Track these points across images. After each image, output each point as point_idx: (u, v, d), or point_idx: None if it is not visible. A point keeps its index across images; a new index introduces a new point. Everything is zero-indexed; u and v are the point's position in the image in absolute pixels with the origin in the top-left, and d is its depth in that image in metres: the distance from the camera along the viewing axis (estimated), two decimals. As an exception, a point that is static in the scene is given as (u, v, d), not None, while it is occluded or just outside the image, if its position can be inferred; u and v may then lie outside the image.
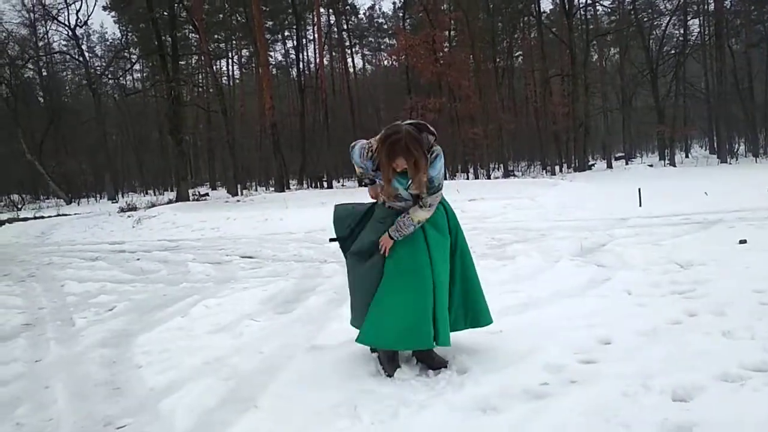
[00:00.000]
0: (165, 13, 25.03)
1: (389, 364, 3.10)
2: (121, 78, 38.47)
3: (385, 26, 43.15)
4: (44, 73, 38.09)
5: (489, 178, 26.71)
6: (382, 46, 43.98)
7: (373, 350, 3.16)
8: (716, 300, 3.84)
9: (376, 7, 65.30)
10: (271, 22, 37.89)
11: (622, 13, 33.05)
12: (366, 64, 47.54)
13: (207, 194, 29.09)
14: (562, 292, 4.57)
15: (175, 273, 7.30)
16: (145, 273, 7.48)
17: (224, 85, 39.04)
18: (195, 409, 2.89)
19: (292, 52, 39.49)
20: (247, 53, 42.62)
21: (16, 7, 38.12)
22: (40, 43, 36.12)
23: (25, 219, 19.67)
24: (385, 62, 42.58)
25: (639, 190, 11.04)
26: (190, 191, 25.69)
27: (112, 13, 37.72)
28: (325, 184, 29.77)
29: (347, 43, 39.97)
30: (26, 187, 34.62)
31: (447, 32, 30.64)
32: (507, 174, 27.90)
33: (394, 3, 51.61)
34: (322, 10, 32.90)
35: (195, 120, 37.48)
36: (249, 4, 27.52)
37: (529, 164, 35.64)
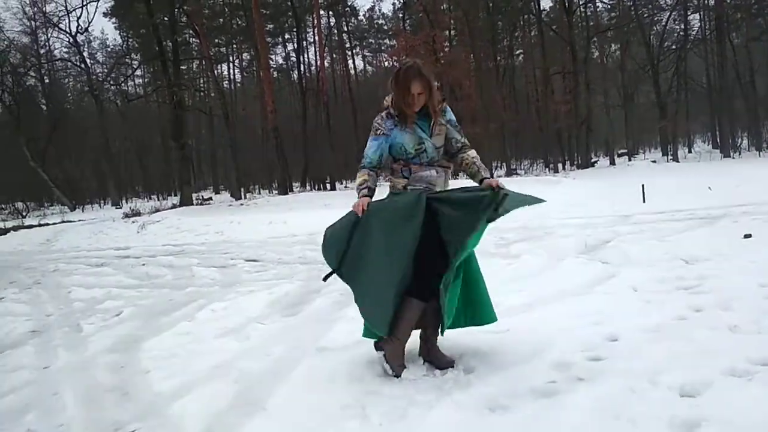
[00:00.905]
0: (165, 19, 25.05)
1: (395, 362, 3.06)
2: (122, 84, 38.49)
3: (385, 27, 43.12)
4: (46, 81, 38.17)
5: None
6: (383, 47, 43.97)
7: (377, 348, 3.13)
8: (722, 295, 3.83)
9: (376, 8, 65.04)
10: (271, 25, 37.93)
11: (622, 9, 33.05)
12: (367, 65, 47.60)
13: (210, 198, 29.13)
14: (567, 290, 4.57)
15: (181, 277, 7.32)
16: (151, 278, 7.50)
17: (226, 88, 39.10)
18: (204, 413, 2.90)
19: (293, 54, 39.53)
20: (248, 57, 42.67)
21: (18, 15, 38.17)
22: (42, 51, 36.19)
23: (30, 226, 19.71)
24: (386, 63, 42.56)
25: (642, 186, 11.04)
26: (194, 195, 25.73)
27: (113, 20, 37.78)
28: (328, 186, 29.79)
29: (348, 45, 40.00)
30: (30, 195, 34.69)
31: (447, 32, 30.64)
32: (510, 173, 27.87)
33: (393, 4, 51.73)
34: (322, 12, 32.91)
35: (197, 124, 37.53)
36: (249, 8, 27.58)
37: (532, 162, 35.59)
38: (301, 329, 4.29)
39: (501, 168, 31.19)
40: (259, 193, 35.08)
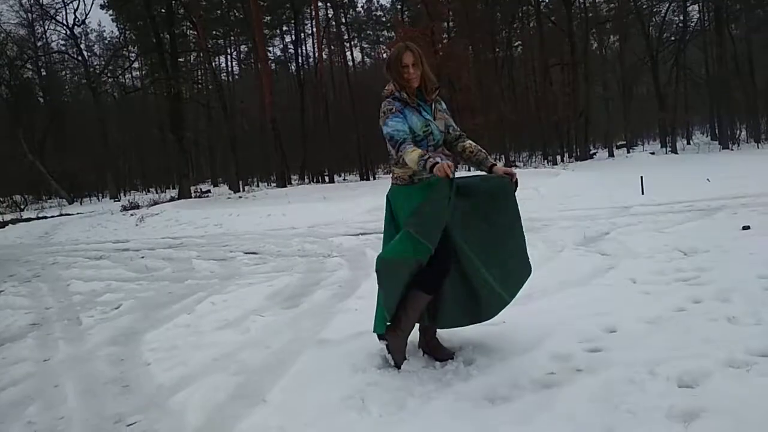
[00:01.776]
0: (163, 11, 24.96)
1: (397, 354, 3.07)
2: (120, 76, 38.41)
3: (384, 19, 42.95)
4: (43, 73, 38.07)
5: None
6: (381, 39, 43.79)
7: (380, 338, 3.12)
8: (721, 286, 3.84)
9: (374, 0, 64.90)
10: (269, 17, 37.74)
11: (621, 0, 32.87)
12: (365, 57, 47.38)
13: (209, 191, 29.09)
14: (566, 281, 4.57)
15: (180, 270, 7.32)
16: (150, 271, 7.51)
17: (224, 81, 38.97)
18: (204, 405, 2.91)
19: (291, 46, 39.40)
20: (246, 49, 42.51)
21: (14, 7, 38.01)
22: (39, 43, 36.11)
23: (29, 219, 19.72)
24: (385, 55, 42.41)
25: (641, 178, 11.02)
26: (192, 188, 25.70)
27: (110, 12, 37.56)
28: (326, 179, 29.76)
29: (346, 37, 39.80)
30: (28, 188, 34.62)
31: (446, 23, 30.52)
32: (508, 164, 27.84)
33: (391, -5, 51.25)
34: (320, 3, 32.75)
35: (196, 117, 37.45)
36: (247, 0, 27.44)
37: (531, 154, 35.54)
38: (301, 321, 4.30)
39: (500, 160, 31.15)
40: (258, 186, 35.06)
